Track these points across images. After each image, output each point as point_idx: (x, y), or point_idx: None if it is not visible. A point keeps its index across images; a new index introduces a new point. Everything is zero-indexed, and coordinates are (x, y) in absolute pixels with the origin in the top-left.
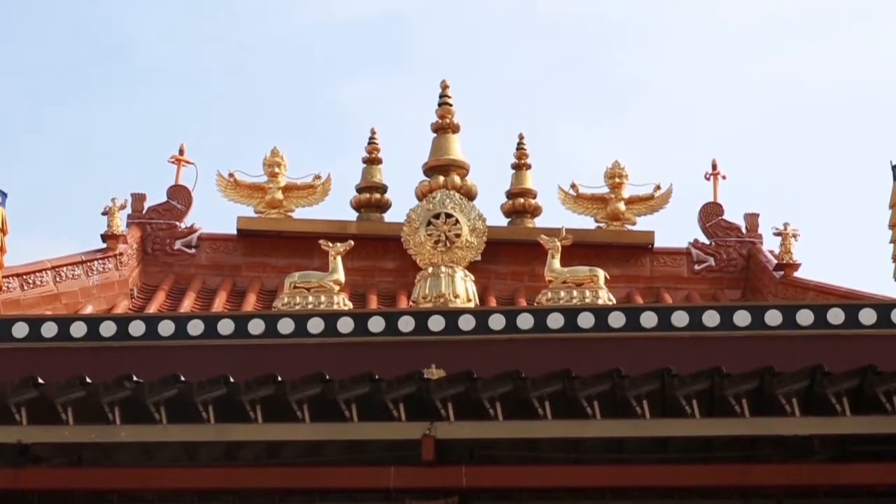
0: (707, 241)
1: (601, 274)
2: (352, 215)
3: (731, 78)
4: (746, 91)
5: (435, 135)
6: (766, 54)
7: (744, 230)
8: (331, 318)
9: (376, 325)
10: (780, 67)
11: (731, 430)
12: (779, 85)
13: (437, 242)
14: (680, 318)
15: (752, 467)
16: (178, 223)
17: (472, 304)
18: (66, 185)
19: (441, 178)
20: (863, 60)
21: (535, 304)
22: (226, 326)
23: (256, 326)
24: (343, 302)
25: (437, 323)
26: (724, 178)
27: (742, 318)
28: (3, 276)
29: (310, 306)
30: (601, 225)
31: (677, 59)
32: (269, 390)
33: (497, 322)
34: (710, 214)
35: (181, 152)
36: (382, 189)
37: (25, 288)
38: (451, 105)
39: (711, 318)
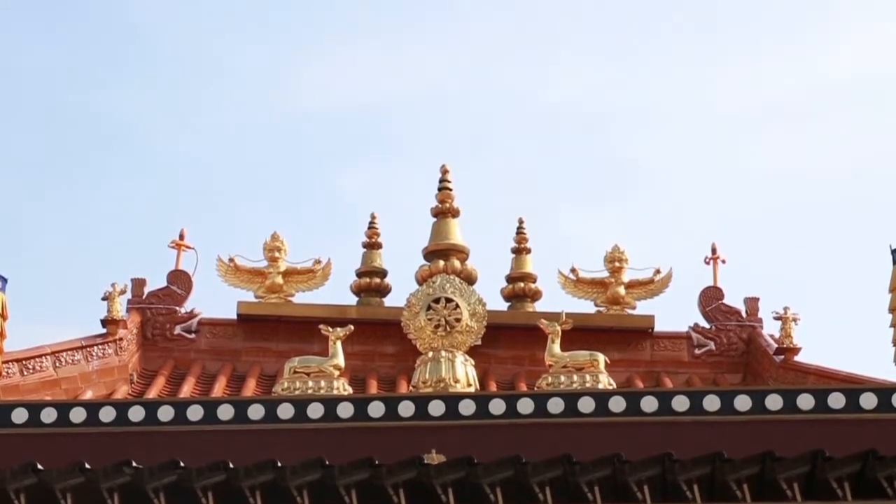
0: (707, 326)
1: (601, 358)
2: (352, 300)
3: (730, 163)
4: (745, 176)
5: (435, 219)
6: (764, 140)
7: (744, 314)
8: (331, 403)
9: (376, 410)
10: (779, 152)
11: None
12: (777, 170)
13: (438, 327)
14: (681, 403)
15: None
16: (178, 308)
17: (472, 389)
18: (66, 270)
19: (441, 263)
20: (862, 145)
21: (536, 388)
22: (225, 412)
23: (256, 411)
24: (343, 387)
25: (437, 408)
26: (723, 262)
27: (743, 402)
28: (3, 362)
29: (310, 391)
30: (601, 309)
31: (676, 144)
32: (269, 476)
33: (497, 407)
34: (711, 298)
35: (181, 237)
36: (382, 274)
37: (25, 373)
38: (450, 190)
39: (712, 403)
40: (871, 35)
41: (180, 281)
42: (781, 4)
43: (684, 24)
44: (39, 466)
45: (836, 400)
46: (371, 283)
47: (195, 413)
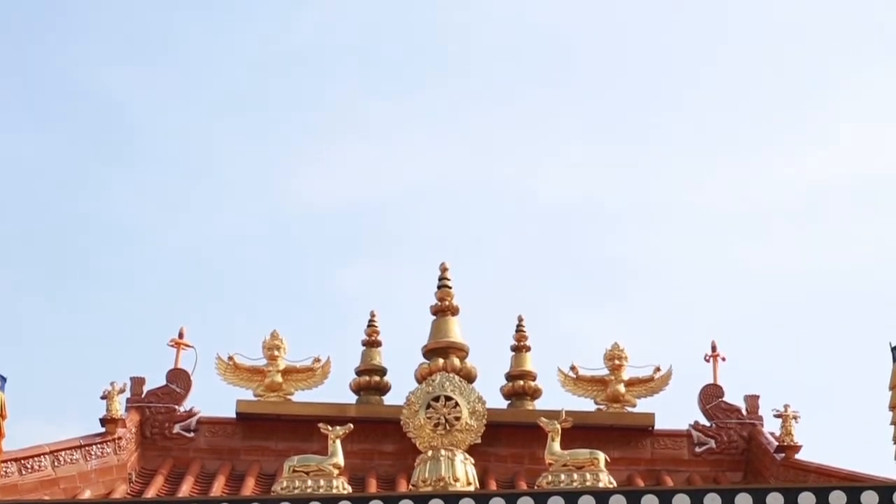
0: (707, 423)
1: (602, 457)
2: (351, 398)
3: (730, 261)
4: (745, 273)
5: (434, 317)
6: (763, 239)
7: (744, 412)
8: (330, 502)
9: None
10: (778, 251)
11: None
12: (777, 267)
13: (437, 425)
14: (682, 501)
15: None
16: (177, 407)
17: (472, 488)
18: (65, 369)
19: (440, 361)
20: (861, 243)
21: (536, 487)
22: None
23: None
24: (342, 486)
25: None
26: (723, 359)
27: (744, 500)
28: (2, 461)
29: (309, 490)
30: (601, 407)
31: (676, 242)
32: None
33: None
34: (711, 396)
35: (181, 336)
36: (382, 372)
37: (24, 472)
38: (450, 287)
39: (713, 501)
40: (868, 135)
41: (179, 379)
42: (778, 104)
43: (681, 124)
44: None
45: (838, 498)
46: (370, 381)
47: None
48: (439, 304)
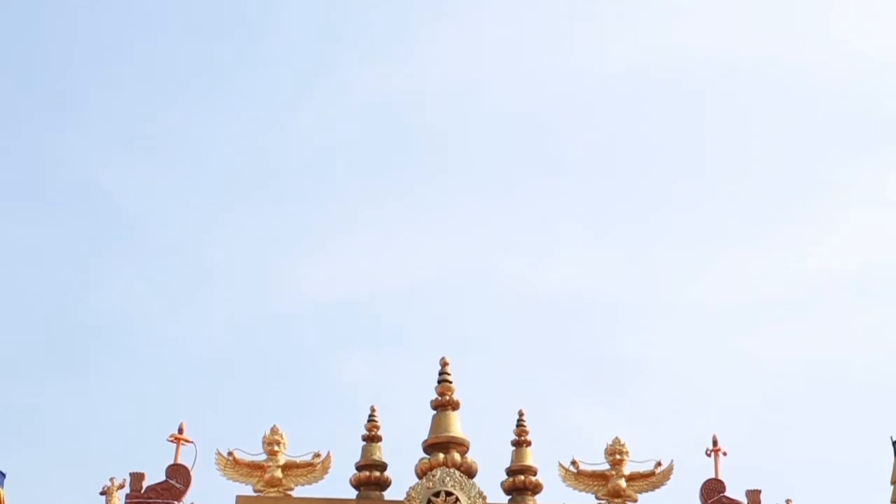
0: None
1: None
2: (351, 493)
3: (730, 353)
4: (745, 365)
5: (435, 412)
6: (762, 331)
7: None
8: None
9: None
10: (778, 342)
11: None
12: (776, 359)
13: None
14: None
15: None
16: (176, 502)
17: None
18: (64, 464)
19: (441, 456)
20: (861, 336)
21: None
22: None
23: None
24: None
25: None
26: (724, 454)
27: None
28: None
29: None
30: (603, 502)
31: (676, 334)
32: None
33: None
34: (712, 491)
35: (180, 431)
36: (382, 467)
37: None
38: (450, 382)
39: None
40: (868, 225)
41: (179, 475)
42: (776, 195)
43: (679, 215)
44: None
45: None
46: (371, 476)
47: None
48: (440, 398)
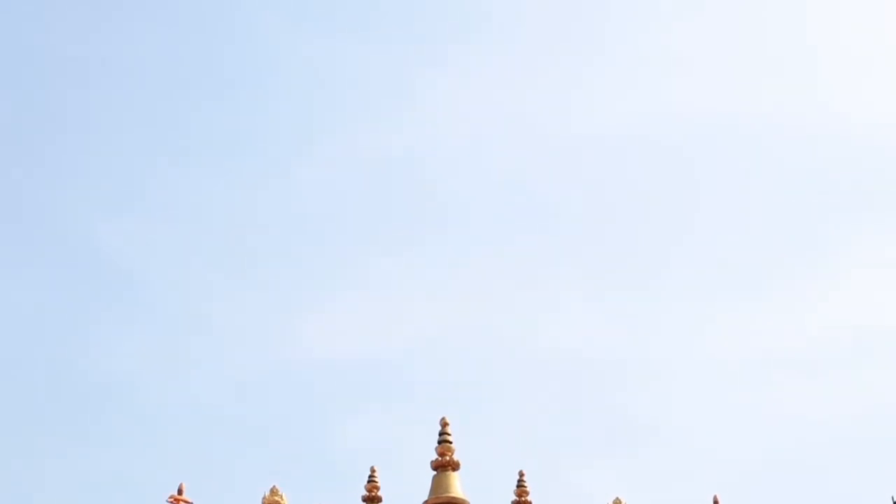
0: None
1: None
2: None
3: (730, 410)
4: (745, 423)
5: (435, 472)
6: (763, 389)
7: None
8: None
9: None
10: (779, 400)
11: None
12: (777, 417)
13: None
14: None
15: None
16: None
17: None
18: None
19: None
20: (862, 394)
21: None
22: None
23: None
24: None
25: None
26: None
27: None
28: None
29: None
30: None
31: (676, 391)
32: None
33: None
34: None
35: (180, 492)
36: None
37: None
38: (450, 442)
39: None
40: (870, 284)
41: None
42: (777, 253)
43: (679, 272)
44: None
45: None
46: None
47: None
48: (440, 458)
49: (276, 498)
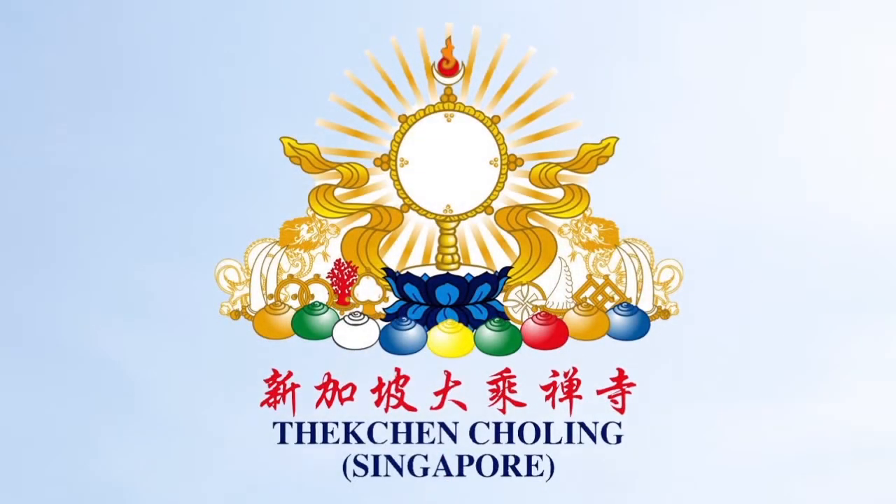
0: None
1: None
2: None
3: None
4: None
5: None
6: (759, 498)
7: None
8: None
9: None
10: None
11: None
12: None
13: None
14: None
15: None
16: None
17: None
18: None
19: None
20: (864, 501)
21: None
22: None
23: None
24: None
25: None
26: None
27: None
28: None
29: None
30: None
31: (677, 490)
32: None
33: None
34: None
35: None
36: None
37: None
38: None
39: None
40: (871, 390)
41: None
42: (770, 356)
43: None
44: None
45: None
46: None
47: None
48: None
49: None
